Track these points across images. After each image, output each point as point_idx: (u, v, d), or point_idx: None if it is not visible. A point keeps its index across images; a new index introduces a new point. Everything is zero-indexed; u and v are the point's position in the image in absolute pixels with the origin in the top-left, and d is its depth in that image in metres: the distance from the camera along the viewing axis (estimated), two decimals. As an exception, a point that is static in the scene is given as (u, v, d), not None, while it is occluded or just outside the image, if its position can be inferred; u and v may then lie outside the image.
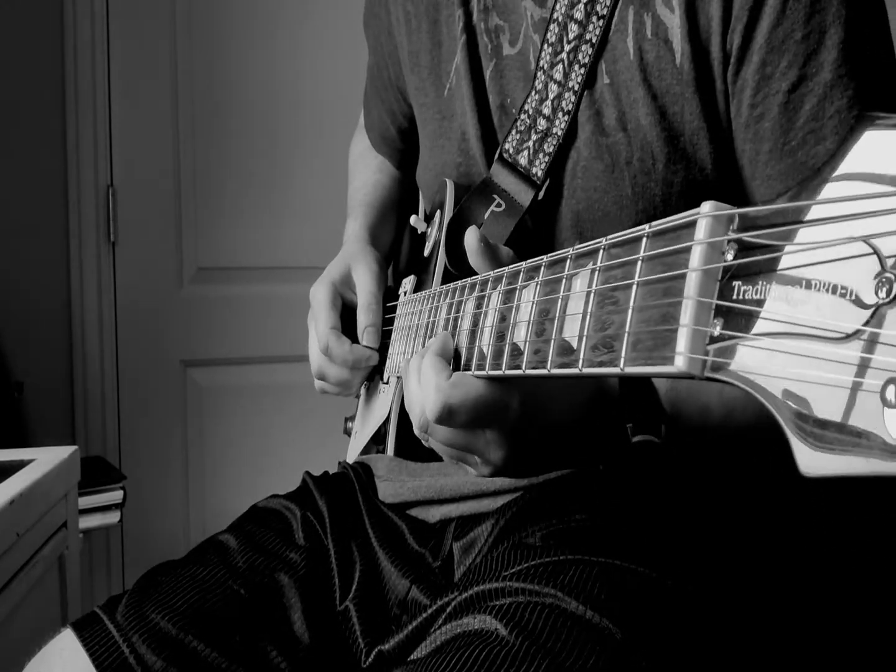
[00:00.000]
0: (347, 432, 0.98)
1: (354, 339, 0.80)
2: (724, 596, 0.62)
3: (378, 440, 0.83)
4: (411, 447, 0.73)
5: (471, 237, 0.56)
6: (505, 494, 0.71)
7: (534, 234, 0.71)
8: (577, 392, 0.56)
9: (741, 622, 0.64)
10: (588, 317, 0.39)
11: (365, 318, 0.79)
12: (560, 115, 0.69)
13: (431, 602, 0.62)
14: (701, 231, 0.32)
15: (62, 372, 1.89)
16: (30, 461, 1.12)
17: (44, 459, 1.13)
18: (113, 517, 1.59)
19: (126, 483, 1.62)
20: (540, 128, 0.70)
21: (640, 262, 0.35)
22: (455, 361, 0.55)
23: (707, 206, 0.32)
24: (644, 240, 0.36)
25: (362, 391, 0.93)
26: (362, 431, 0.91)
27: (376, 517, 0.78)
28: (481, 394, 0.50)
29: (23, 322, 1.82)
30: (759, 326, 0.28)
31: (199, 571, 0.70)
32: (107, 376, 1.92)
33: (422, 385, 0.53)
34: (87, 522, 1.52)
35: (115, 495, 1.58)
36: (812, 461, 0.25)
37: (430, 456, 0.68)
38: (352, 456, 0.93)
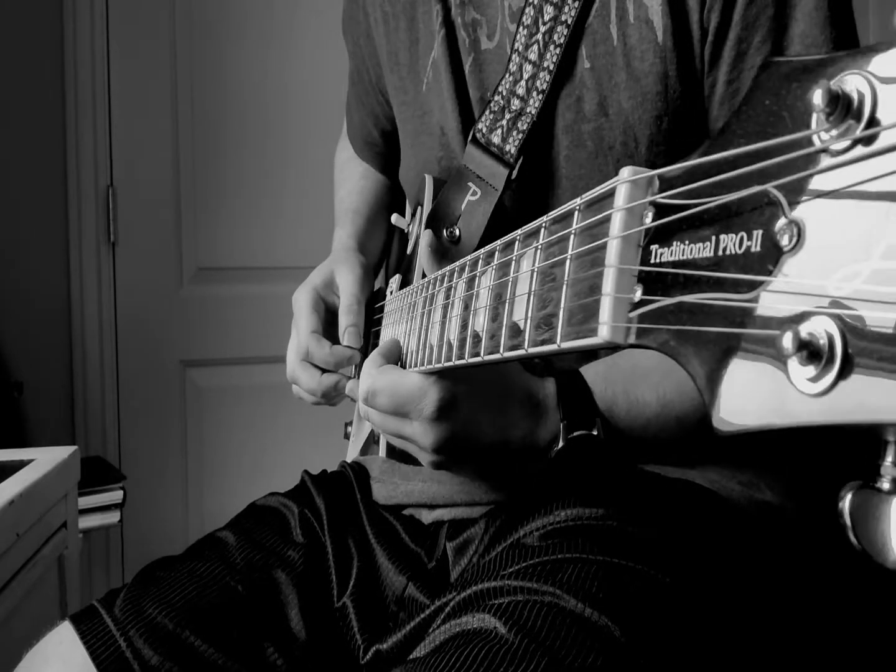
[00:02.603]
0: (347, 436, 0.98)
1: (337, 341, 0.80)
2: (723, 592, 0.62)
3: (375, 442, 0.83)
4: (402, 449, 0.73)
5: (424, 238, 0.63)
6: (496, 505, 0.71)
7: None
8: (499, 388, 0.60)
9: (740, 618, 0.64)
10: (532, 296, 0.39)
11: (346, 319, 0.79)
12: (535, 94, 0.69)
13: (429, 600, 0.62)
14: (620, 198, 0.31)
15: (62, 372, 1.89)
16: (30, 461, 1.11)
17: (44, 459, 1.13)
18: (113, 517, 1.58)
19: (126, 483, 1.62)
20: (514, 108, 0.70)
21: (572, 236, 0.35)
22: (429, 356, 0.57)
23: (626, 172, 0.31)
24: (576, 213, 0.35)
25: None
26: (358, 435, 0.91)
27: (373, 515, 0.78)
28: (402, 383, 0.58)
29: (23, 322, 1.82)
30: (676, 289, 0.28)
31: (197, 567, 0.71)
32: (107, 376, 1.92)
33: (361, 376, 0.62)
34: (86, 522, 1.52)
35: (115, 495, 1.58)
36: (725, 413, 0.24)
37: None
38: (351, 459, 0.93)
